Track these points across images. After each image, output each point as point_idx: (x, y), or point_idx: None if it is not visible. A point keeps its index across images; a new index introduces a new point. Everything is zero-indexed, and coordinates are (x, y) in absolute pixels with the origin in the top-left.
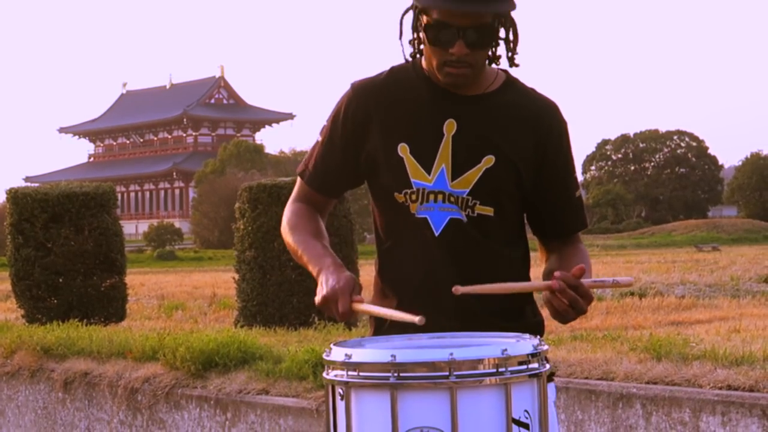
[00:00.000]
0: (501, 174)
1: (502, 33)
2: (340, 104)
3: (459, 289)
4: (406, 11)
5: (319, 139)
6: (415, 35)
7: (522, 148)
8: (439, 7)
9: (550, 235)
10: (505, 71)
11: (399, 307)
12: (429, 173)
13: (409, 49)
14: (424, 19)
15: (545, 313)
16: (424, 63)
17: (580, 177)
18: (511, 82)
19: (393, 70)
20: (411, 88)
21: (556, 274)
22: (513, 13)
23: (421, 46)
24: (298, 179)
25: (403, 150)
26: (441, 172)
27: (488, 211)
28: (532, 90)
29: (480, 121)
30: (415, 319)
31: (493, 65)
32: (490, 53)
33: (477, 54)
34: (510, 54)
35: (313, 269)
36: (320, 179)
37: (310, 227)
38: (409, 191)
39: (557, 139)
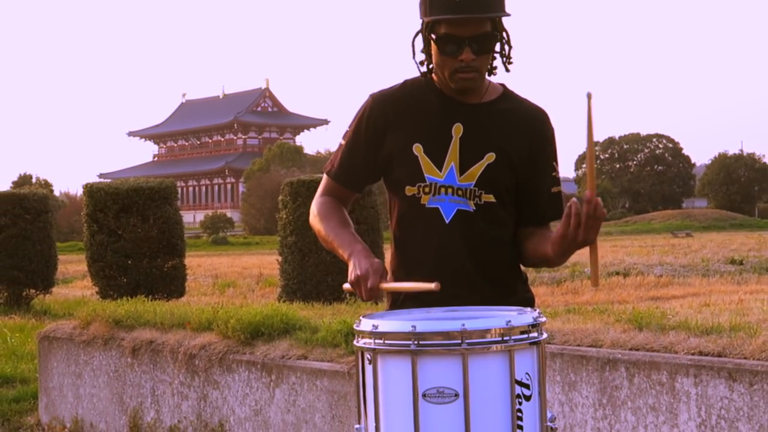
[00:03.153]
0: (500, 168)
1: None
2: (362, 111)
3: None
4: (417, 34)
5: (343, 142)
6: (426, 53)
7: (518, 147)
8: (445, 20)
9: (526, 221)
10: (503, 84)
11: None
12: (440, 170)
13: (421, 67)
14: (434, 36)
15: (536, 290)
16: (434, 76)
17: (572, 174)
18: (508, 93)
19: (407, 82)
20: (423, 98)
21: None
22: (508, 26)
23: (431, 65)
24: (324, 177)
25: (417, 149)
26: (451, 169)
27: (491, 198)
28: (527, 100)
29: (483, 124)
30: (432, 285)
31: (492, 79)
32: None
33: (482, 59)
34: (506, 61)
35: (343, 253)
36: (345, 175)
37: (337, 217)
38: (422, 185)
39: (544, 141)
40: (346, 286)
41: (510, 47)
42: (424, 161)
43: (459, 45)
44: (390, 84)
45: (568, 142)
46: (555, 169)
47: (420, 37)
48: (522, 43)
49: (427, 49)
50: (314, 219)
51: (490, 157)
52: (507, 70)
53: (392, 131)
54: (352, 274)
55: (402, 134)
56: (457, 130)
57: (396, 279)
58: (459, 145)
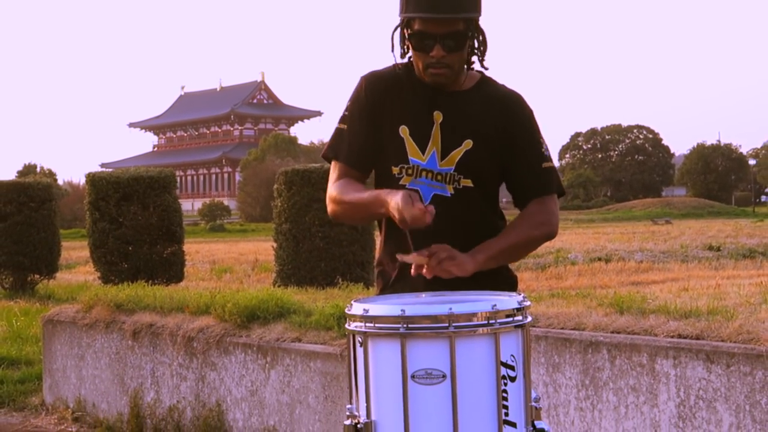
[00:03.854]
0: (478, 153)
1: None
2: (357, 91)
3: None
4: (396, 29)
5: (343, 126)
6: (405, 46)
7: (495, 132)
8: (419, 17)
9: (521, 199)
10: (480, 72)
11: (405, 265)
12: (423, 153)
13: (400, 59)
14: (409, 31)
15: (521, 275)
16: (415, 67)
17: (556, 163)
18: (485, 80)
19: (396, 66)
20: (408, 82)
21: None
22: (484, 24)
23: (410, 54)
24: (332, 165)
25: (404, 131)
26: (432, 154)
27: (469, 183)
28: (503, 85)
29: (460, 112)
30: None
31: (471, 70)
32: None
33: (453, 56)
34: (480, 58)
35: (378, 203)
36: (354, 156)
37: (358, 188)
38: (405, 166)
39: (522, 121)
40: (402, 257)
41: (485, 46)
42: (410, 144)
43: (431, 42)
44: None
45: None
46: (541, 145)
47: (399, 33)
48: (507, 36)
49: (404, 44)
50: (335, 200)
51: (467, 144)
52: (483, 68)
53: (383, 110)
54: (399, 209)
55: (390, 115)
56: (437, 117)
57: (385, 252)
58: (440, 131)
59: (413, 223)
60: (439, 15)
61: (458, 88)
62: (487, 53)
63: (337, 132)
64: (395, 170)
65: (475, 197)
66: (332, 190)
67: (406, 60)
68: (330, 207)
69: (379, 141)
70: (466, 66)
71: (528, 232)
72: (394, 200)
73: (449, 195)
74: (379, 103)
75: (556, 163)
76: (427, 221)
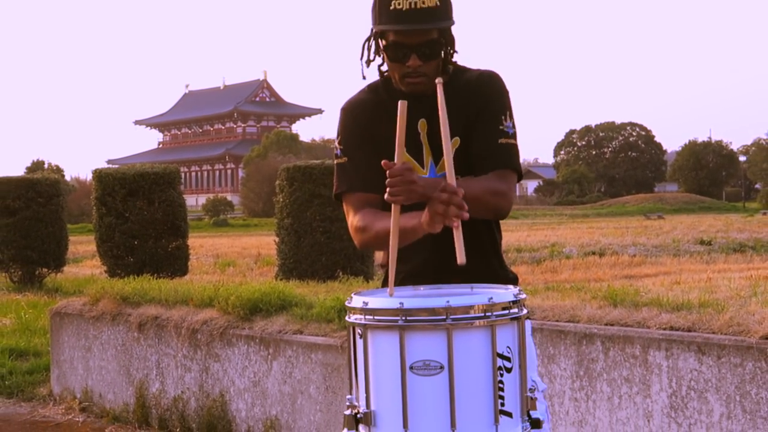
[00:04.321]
0: (467, 147)
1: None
2: (342, 124)
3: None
4: (367, 39)
5: (343, 159)
6: (379, 56)
7: (469, 116)
8: (393, 30)
9: (477, 172)
10: (453, 63)
11: (416, 264)
12: (423, 166)
13: (367, 69)
14: (384, 42)
15: (517, 269)
16: (392, 78)
17: (551, 160)
18: (456, 70)
19: (370, 87)
20: (389, 99)
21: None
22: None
23: (381, 66)
24: (346, 198)
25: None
26: (431, 164)
27: None
28: (472, 69)
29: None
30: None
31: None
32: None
33: (428, 66)
34: (449, 58)
35: (413, 221)
36: (362, 182)
37: (382, 215)
38: None
39: (488, 97)
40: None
41: (454, 52)
42: (407, 159)
43: (406, 53)
44: (377, 77)
45: (546, 130)
46: (502, 123)
47: (372, 42)
48: (503, 34)
49: (379, 53)
50: (363, 234)
51: (455, 143)
52: (446, 71)
53: (374, 136)
54: (439, 206)
55: (382, 137)
56: (422, 126)
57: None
58: (428, 140)
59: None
60: (413, 26)
61: (434, 91)
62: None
63: (340, 167)
64: None
65: None
66: (357, 221)
67: (376, 77)
68: (357, 239)
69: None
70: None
71: (483, 192)
72: (432, 202)
73: None
74: (367, 128)
75: (551, 159)
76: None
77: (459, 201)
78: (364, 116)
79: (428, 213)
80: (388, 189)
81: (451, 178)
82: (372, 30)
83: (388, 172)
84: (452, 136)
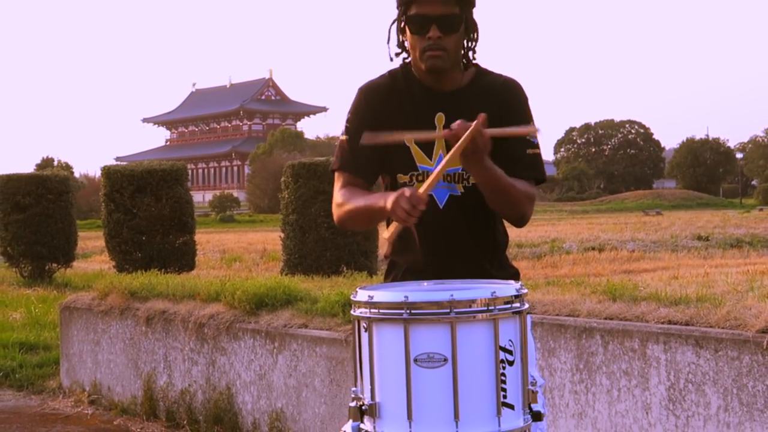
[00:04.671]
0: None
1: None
2: (356, 103)
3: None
4: (394, 21)
5: (344, 137)
6: (402, 38)
7: (492, 121)
8: (415, 1)
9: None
10: (476, 65)
11: (417, 258)
12: (431, 158)
13: (395, 50)
14: (406, 17)
15: (518, 264)
16: (413, 67)
17: (552, 157)
18: (480, 73)
19: (390, 74)
20: (406, 89)
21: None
22: (482, 21)
23: (408, 59)
24: (336, 174)
25: (408, 140)
26: (440, 157)
27: None
28: (497, 74)
29: (462, 110)
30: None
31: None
32: (462, 55)
33: (448, 39)
34: (472, 48)
35: (380, 203)
36: (354, 164)
37: (360, 194)
38: (415, 173)
39: (515, 107)
40: (386, 234)
41: (477, 38)
42: (416, 151)
43: (427, 24)
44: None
45: (547, 128)
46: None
47: (396, 26)
48: (504, 33)
49: (402, 37)
50: (340, 209)
51: None
52: (473, 58)
53: (383, 121)
54: (395, 205)
55: (392, 125)
56: (440, 119)
57: (397, 254)
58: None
59: (409, 214)
60: None
61: (456, 87)
62: (479, 46)
63: (341, 145)
64: (405, 178)
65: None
66: (337, 197)
67: (403, 59)
68: (335, 214)
69: (383, 150)
70: (463, 63)
71: (524, 196)
72: (390, 198)
73: (459, 194)
74: (379, 113)
75: (551, 156)
76: (419, 210)
77: (417, 213)
78: (377, 101)
79: (391, 209)
80: (403, 211)
81: (426, 189)
82: (397, 8)
83: (410, 196)
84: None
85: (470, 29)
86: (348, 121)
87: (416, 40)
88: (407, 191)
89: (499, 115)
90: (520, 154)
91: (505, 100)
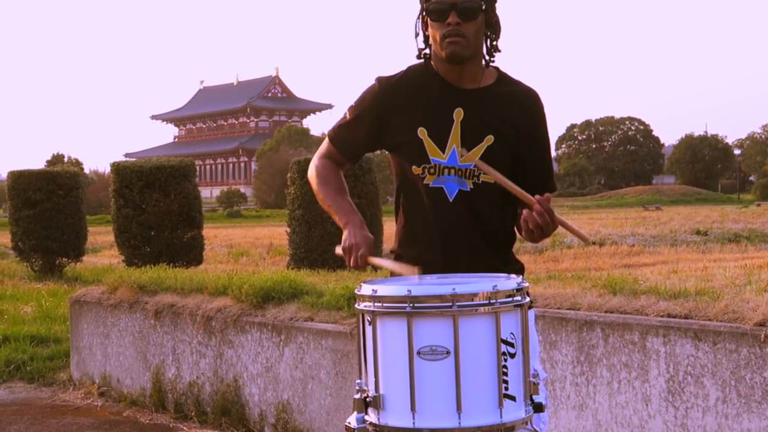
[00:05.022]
0: (498, 149)
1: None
2: (368, 93)
3: (477, 162)
4: (419, 15)
5: (348, 116)
6: (424, 38)
7: (513, 128)
8: None
9: (534, 192)
10: (497, 68)
11: (425, 251)
12: (444, 152)
13: (422, 45)
14: (426, 6)
15: (520, 258)
16: (434, 62)
17: (553, 153)
18: (502, 77)
19: (410, 69)
20: (425, 84)
21: (537, 197)
22: (499, 14)
23: (428, 53)
24: (326, 140)
25: (422, 133)
26: (453, 151)
27: (490, 179)
28: (519, 82)
29: (481, 109)
30: (414, 270)
31: (488, 66)
32: (483, 49)
33: (467, 26)
34: (492, 42)
35: (340, 221)
36: (343, 144)
37: (335, 182)
38: (427, 166)
39: (537, 119)
40: (338, 250)
41: (498, 33)
42: (429, 144)
43: (445, 10)
44: (394, 68)
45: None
46: (546, 143)
47: (420, 23)
48: (508, 32)
49: (424, 30)
50: (312, 177)
51: (489, 140)
52: (492, 54)
53: (397, 115)
54: (346, 241)
55: (407, 119)
56: (458, 114)
57: (404, 247)
58: (460, 128)
59: (354, 266)
60: None
61: (477, 85)
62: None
63: (343, 119)
64: (417, 170)
65: (494, 191)
66: (313, 163)
67: (424, 55)
68: (309, 173)
69: (382, 142)
70: (485, 59)
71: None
72: (351, 234)
73: (469, 189)
74: (387, 110)
75: (552, 153)
76: (360, 267)
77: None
78: (392, 92)
79: (343, 247)
80: (348, 259)
81: (376, 264)
82: (420, 2)
83: (359, 255)
84: (486, 135)
85: (491, 22)
86: (357, 102)
87: (436, 27)
88: (363, 249)
89: (521, 122)
90: (545, 168)
91: (528, 110)
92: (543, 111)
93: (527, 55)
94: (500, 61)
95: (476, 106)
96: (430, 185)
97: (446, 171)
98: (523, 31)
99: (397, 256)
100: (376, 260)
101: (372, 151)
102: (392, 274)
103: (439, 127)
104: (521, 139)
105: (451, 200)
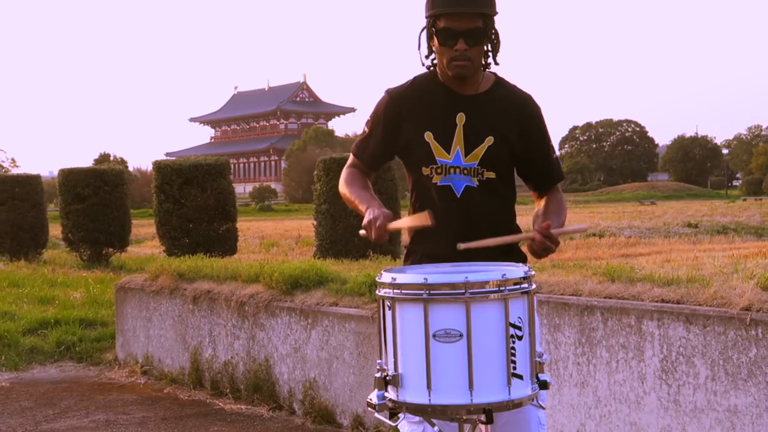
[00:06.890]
0: (499, 148)
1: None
2: (380, 106)
3: (461, 246)
4: (422, 29)
5: (366, 130)
6: (429, 47)
7: (512, 129)
8: (444, 14)
9: (539, 186)
10: (494, 73)
11: (435, 245)
12: (449, 153)
13: (425, 54)
14: (434, 30)
15: (525, 250)
16: (438, 72)
17: (557, 153)
18: (499, 82)
19: (416, 79)
20: (430, 92)
21: (536, 227)
22: (498, 27)
23: (434, 59)
24: (351, 155)
25: (428, 137)
26: (457, 152)
27: (492, 175)
28: (515, 86)
29: (481, 112)
30: (425, 216)
31: (487, 71)
32: (483, 61)
33: (474, 51)
34: (493, 54)
35: (362, 207)
36: (364, 155)
37: (360, 182)
38: (434, 166)
39: (534, 120)
40: (362, 231)
41: (498, 45)
42: (435, 147)
43: (455, 37)
44: (402, 80)
45: (552, 126)
46: (546, 140)
47: (425, 33)
48: (513, 39)
49: (430, 43)
50: (342, 185)
51: (489, 140)
52: (496, 63)
53: (407, 122)
54: (365, 219)
55: (415, 124)
56: (461, 118)
57: (416, 241)
58: (463, 131)
59: (376, 237)
60: (461, 9)
61: (477, 91)
62: (499, 52)
63: (363, 134)
64: (426, 171)
65: (497, 187)
66: (342, 173)
67: (427, 66)
68: (340, 184)
69: (396, 147)
70: (483, 65)
71: (565, 213)
72: (370, 212)
73: (476, 185)
74: (397, 118)
75: (556, 152)
76: (381, 241)
77: (376, 235)
78: (401, 104)
79: (364, 224)
80: (369, 232)
81: (395, 227)
82: (426, 18)
83: (379, 226)
84: (487, 136)
85: (491, 38)
86: (372, 116)
87: (444, 50)
88: (380, 220)
89: (519, 123)
90: (548, 159)
91: (526, 114)
92: (538, 111)
93: (533, 64)
94: (509, 70)
95: (477, 110)
96: (438, 184)
97: (452, 170)
98: (530, 43)
99: (408, 251)
100: (393, 224)
101: (390, 157)
102: (409, 229)
103: (444, 131)
104: (520, 138)
105: (458, 196)
